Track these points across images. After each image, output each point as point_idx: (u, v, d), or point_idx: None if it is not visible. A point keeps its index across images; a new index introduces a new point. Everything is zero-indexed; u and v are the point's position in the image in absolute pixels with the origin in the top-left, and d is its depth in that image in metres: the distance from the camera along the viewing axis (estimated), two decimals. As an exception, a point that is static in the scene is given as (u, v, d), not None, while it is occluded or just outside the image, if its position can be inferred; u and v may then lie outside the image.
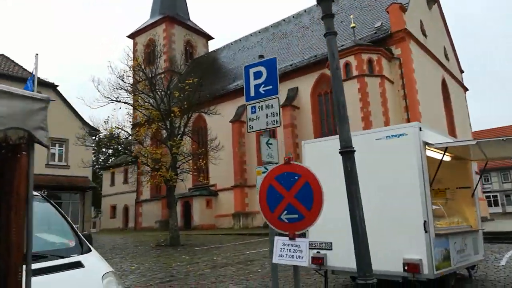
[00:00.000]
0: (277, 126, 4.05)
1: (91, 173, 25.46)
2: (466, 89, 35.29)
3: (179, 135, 18.49)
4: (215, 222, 30.41)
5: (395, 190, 6.40)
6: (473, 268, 7.95)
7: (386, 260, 6.25)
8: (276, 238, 3.47)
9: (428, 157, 6.62)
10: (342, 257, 6.81)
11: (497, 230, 15.60)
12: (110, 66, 18.04)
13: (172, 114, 17.56)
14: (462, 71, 35.75)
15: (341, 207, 7.19)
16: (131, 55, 21.77)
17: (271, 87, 4.01)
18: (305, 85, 27.91)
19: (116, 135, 18.33)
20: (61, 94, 25.36)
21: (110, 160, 48.06)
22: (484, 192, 42.97)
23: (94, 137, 22.94)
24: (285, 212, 3.37)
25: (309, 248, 7.32)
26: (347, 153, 3.52)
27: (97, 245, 20.84)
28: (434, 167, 7.72)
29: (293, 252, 3.27)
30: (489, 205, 45.26)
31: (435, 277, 5.88)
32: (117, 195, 39.38)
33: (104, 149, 18.59)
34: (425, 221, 5.96)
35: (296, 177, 3.36)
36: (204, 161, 18.40)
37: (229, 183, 29.68)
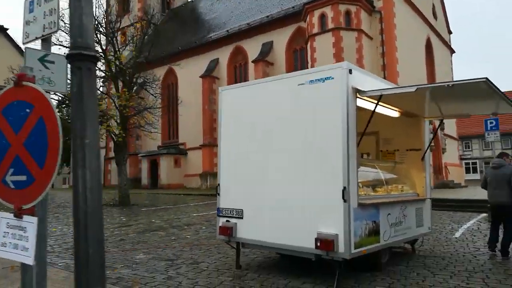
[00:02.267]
0: (55, 31, 2.53)
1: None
2: (452, 51, 33.66)
3: (133, 87, 16.77)
4: (183, 182, 29.34)
5: (315, 147, 5.09)
6: (414, 242, 6.87)
7: (298, 233, 5.08)
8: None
9: (361, 108, 5.27)
10: (253, 228, 5.63)
11: (463, 198, 14.70)
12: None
13: (117, 61, 15.72)
14: (450, 32, 33.94)
15: (256, 168, 5.92)
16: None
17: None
18: (281, 39, 25.98)
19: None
20: (12, 40, 23.11)
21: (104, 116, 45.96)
22: (463, 159, 42.55)
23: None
24: (11, 171, 1.97)
25: (219, 216, 6.14)
26: (79, 58, 1.82)
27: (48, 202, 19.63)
28: (374, 122, 6.43)
29: (18, 238, 1.91)
30: (468, 171, 45.04)
31: (351, 257, 4.71)
32: (87, 151, 37.77)
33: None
34: (344, 188, 4.69)
35: (28, 110, 1.91)
36: (144, 118, 16.50)
37: (198, 142, 28.34)
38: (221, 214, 6.03)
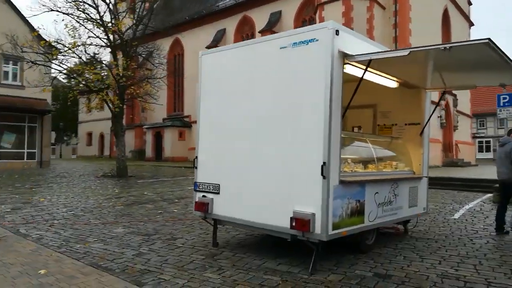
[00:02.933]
0: None
1: (51, 95, 23.46)
2: (471, 24, 32.03)
3: (132, 56, 16.20)
4: (187, 155, 29.17)
5: (295, 119, 4.60)
6: (407, 222, 6.41)
7: (274, 211, 4.67)
8: None
9: (349, 76, 4.70)
10: (230, 204, 5.24)
11: (469, 177, 14.08)
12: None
13: (116, 28, 15.08)
14: (470, 3, 32.22)
15: (233, 140, 5.44)
16: None
17: None
18: (289, 8, 24.93)
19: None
20: (11, 3, 22.53)
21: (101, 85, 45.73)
22: (477, 137, 41.43)
23: (54, 57, 20.29)
24: None
25: (196, 191, 5.75)
26: None
27: (47, 171, 19.68)
28: (372, 94, 5.92)
29: None
30: (481, 150, 43.94)
31: (328, 238, 4.28)
32: (93, 122, 37.80)
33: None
34: (324, 163, 4.21)
35: None
36: (141, 88, 15.98)
37: (203, 114, 27.90)
38: (197, 189, 5.65)
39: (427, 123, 6.29)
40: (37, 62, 14.89)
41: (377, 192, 5.11)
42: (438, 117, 22.27)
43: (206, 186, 5.51)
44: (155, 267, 4.67)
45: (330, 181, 4.27)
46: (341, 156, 4.68)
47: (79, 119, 41.94)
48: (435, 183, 12.94)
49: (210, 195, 5.43)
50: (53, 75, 17.60)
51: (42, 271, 4.47)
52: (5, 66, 22.46)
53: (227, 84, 5.44)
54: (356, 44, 4.72)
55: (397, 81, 5.85)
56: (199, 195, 5.59)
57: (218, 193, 5.34)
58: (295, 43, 4.64)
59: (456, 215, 8.21)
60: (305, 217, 4.28)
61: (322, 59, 4.35)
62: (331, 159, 4.28)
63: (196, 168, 5.72)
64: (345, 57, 4.48)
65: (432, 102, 6.64)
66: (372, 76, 5.24)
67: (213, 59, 5.71)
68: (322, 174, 4.22)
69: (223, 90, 5.49)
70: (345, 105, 4.59)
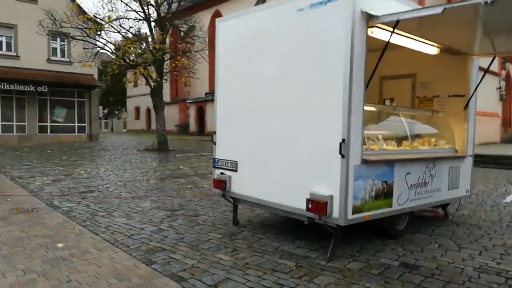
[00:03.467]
0: None
1: (97, 71, 24.20)
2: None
3: (166, 29, 16.07)
4: (229, 129, 29.26)
5: (312, 90, 4.16)
6: (446, 205, 5.81)
7: (290, 191, 4.36)
8: None
9: (375, 40, 4.15)
10: (247, 183, 4.98)
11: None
12: None
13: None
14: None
15: (253, 114, 5.09)
16: None
17: None
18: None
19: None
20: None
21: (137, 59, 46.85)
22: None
23: (92, 32, 20.55)
24: None
25: (214, 167, 5.54)
26: None
27: (95, 144, 20.60)
28: (411, 63, 5.33)
29: None
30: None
31: (347, 223, 3.90)
32: (140, 96, 38.89)
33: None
34: (343, 140, 3.79)
35: None
36: (178, 60, 15.89)
37: (244, 88, 27.64)
38: (216, 166, 5.42)
39: (473, 94, 5.55)
40: (76, 37, 15.24)
41: (409, 173, 4.59)
42: (497, 88, 20.31)
43: (224, 163, 5.27)
44: (170, 245, 4.57)
45: (350, 160, 3.84)
46: (367, 132, 4.23)
47: (127, 94, 43.41)
48: (489, 161, 11.87)
49: (228, 173, 5.20)
50: (96, 50, 17.94)
51: (60, 245, 4.52)
52: (53, 43, 23.33)
53: (244, 54, 5.06)
54: (385, 2, 4.12)
55: (437, 47, 5.15)
56: (217, 172, 5.38)
57: (236, 170, 5.09)
58: (312, 4, 4.13)
59: (509, 199, 7.39)
60: (322, 199, 3.92)
61: (341, 21, 3.83)
62: (352, 135, 3.83)
63: (214, 143, 5.49)
64: (369, 19, 3.92)
65: (480, 69, 5.83)
66: (406, 41, 4.62)
67: (229, 26, 5.32)
68: (340, 152, 3.80)
69: (240, 61, 5.12)
70: (370, 74, 4.07)
